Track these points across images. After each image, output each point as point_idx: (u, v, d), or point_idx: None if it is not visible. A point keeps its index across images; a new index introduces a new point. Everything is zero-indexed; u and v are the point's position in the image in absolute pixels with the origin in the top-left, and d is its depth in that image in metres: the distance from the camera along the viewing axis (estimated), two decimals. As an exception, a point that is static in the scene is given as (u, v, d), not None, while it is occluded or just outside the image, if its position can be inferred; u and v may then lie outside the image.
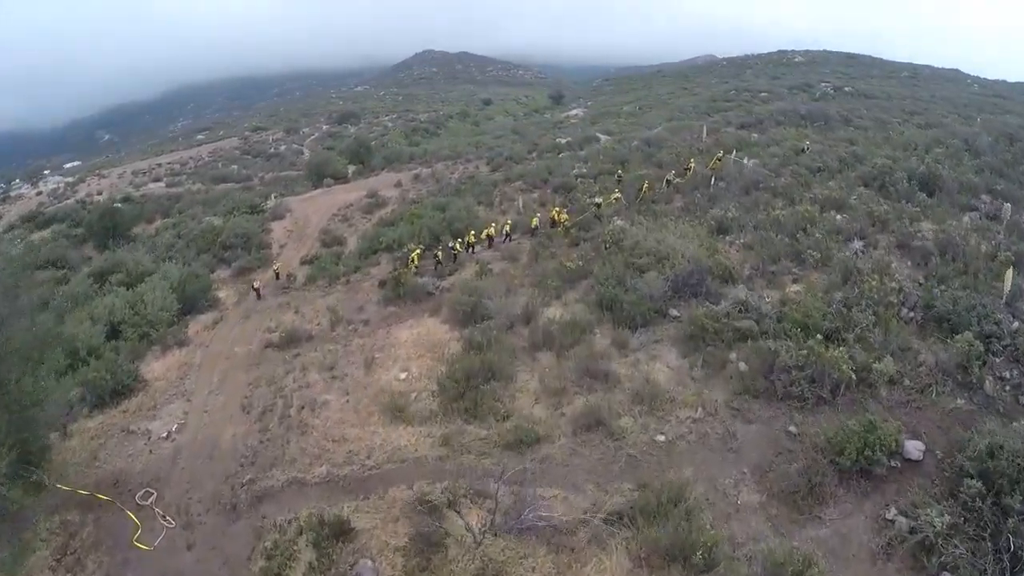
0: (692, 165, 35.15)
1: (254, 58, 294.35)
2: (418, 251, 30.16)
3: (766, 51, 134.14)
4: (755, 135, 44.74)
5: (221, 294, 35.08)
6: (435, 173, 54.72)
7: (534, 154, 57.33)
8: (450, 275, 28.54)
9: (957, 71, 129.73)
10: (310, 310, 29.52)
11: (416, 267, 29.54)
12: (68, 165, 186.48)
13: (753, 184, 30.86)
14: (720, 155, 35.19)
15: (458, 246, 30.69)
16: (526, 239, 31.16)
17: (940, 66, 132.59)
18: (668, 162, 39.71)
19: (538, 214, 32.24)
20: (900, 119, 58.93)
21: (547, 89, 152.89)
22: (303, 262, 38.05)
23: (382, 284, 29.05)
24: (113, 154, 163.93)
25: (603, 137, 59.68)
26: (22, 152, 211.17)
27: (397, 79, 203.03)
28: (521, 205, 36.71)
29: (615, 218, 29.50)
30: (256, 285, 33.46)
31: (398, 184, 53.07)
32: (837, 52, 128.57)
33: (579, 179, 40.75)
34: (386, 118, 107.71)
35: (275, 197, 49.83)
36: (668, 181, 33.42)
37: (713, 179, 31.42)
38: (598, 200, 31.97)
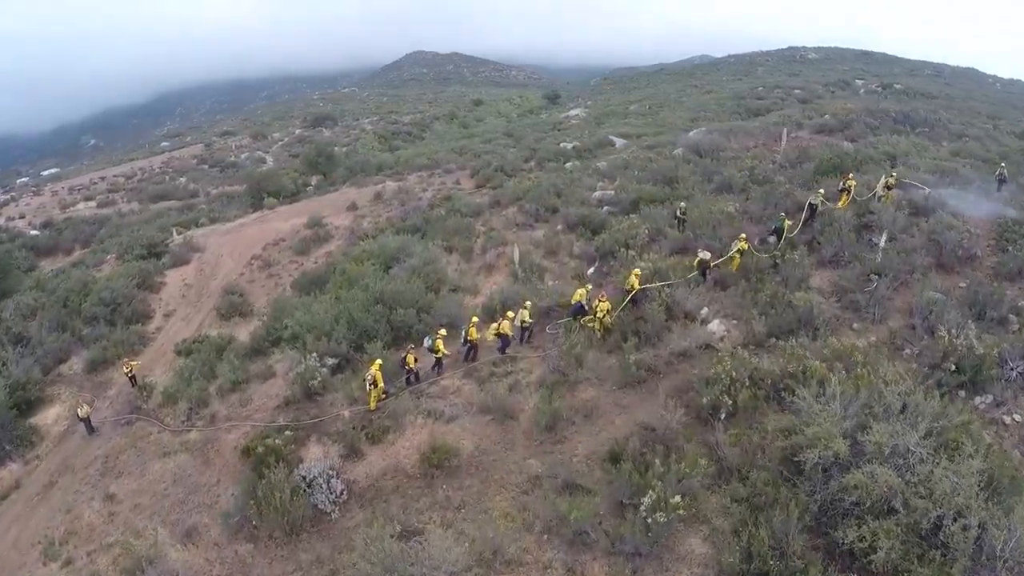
0: (852, 183, 19.36)
1: (245, 61, 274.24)
2: (377, 367, 14.36)
3: (773, 48, 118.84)
4: (847, 144, 29.36)
5: (50, 415, 20.91)
6: (402, 191, 39.08)
7: (532, 163, 41.85)
8: (370, 441, 13.06)
9: (975, 70, 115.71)
10: (131, 491, 15.27)
11: (377, 391, 14.15)
12: (46, 172, 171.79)
13: (950, 248, 15.33)
14: (891, 178, 19.34)
15: (440, 345, 15.14)
16: (538, 340, 15.85)
17: (955, 64, 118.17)
18: (738, 182, 24.26)
19: (585, 287, 16.42)
20: (989, 124, 44.04)
21: (541, 89, 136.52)
22: (179, 352, 22.92)
23: (247, 454, 13.69)
24: (91, 160, 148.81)
25: (619, 141, 44.21)
26: (8, 157, 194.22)
27: (387, 80, 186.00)
28: (518, 259, 21.24)
29: (707, 314, 14.09)
30: (83, 413, 18.94)
31: (352, 207, 37.53)
32: (851, 49, 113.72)
33: (605, 208, 25.36)
34: (366, 120, 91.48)
35: (178, 231, 34.07)
36: (812, 207, 17.97)
37: (884, 236, 15.68)
38: (705, 256, 16.40)
